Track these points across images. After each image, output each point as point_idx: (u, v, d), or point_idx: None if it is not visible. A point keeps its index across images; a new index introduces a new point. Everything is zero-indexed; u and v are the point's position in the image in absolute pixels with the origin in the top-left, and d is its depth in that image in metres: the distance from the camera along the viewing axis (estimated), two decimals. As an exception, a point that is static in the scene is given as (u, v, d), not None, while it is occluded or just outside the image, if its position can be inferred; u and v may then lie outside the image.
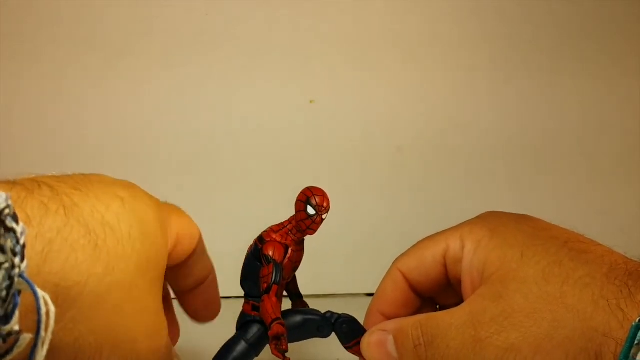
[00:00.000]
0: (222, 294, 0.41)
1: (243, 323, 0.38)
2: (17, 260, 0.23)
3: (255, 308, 0.38)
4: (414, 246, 0.39)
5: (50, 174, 0.29)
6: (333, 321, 0.39)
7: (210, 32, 0.57)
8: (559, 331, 0.30)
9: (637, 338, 0.27)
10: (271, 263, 0.36)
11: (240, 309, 0.39)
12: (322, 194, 0.37)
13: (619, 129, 0.62)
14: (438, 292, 0.39)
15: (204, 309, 0.40)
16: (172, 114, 0.58)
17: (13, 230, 0.23)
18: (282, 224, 0.38)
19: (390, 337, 0.35)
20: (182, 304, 0.40)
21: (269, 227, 0.38)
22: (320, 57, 0.59)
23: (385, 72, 0.60)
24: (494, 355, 0.31)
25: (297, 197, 0.37)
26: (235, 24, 0.57)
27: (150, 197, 0.33)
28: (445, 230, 0.38)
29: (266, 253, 0.37)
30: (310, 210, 0.36)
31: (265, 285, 0.36)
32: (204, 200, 0.59)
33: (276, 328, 0.35)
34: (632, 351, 0.27)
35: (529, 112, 0.61)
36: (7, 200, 0.23)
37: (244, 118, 0.59)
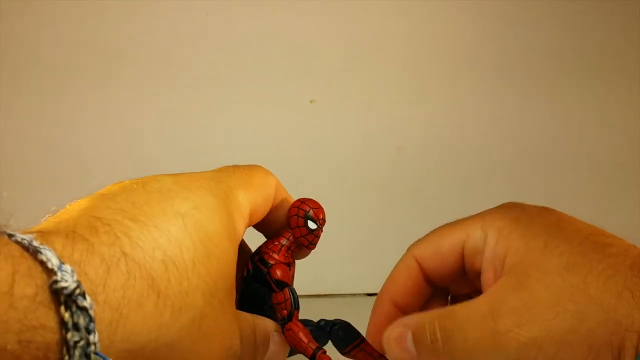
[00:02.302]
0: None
1: None
2: (91, 337, 0.23)
3: None
4: (431, 233, 0.38)
5: (108, 194, 0.29)
6: (328, 329, 0.38)
7: (211, 33, 0.57)
8: (583, 324, 0.29)
9: None
10: (286, 288, 0.35)
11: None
12: (318, 206, 0.36)
13: (620, 132, 0.62)
14: (451, 282, 0.38)
15: None
16: (172, 114, 0.58)
17: (85, 309, 0.23)
18: (278, 242, 0.36)
19: (410, 333, 0.34)
20: None
21: (267, 248, 0.36)
22: (320, 57, 0.59)
23: (386, 73, 0.60)
24: (514, 349, 0.30)
25: (291, 212, 0.35)
26: (235, 25, 0.57)
27: (213, 193, 0.31)
28: (465, 219, 0.37)
29: (277, 278, 0.35)
30: (312, 225, 0.35)
31: (285, 312, 0.34)
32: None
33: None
34: None
35: (529, 113, 0.61)
36: (74, 276, 0.23)
37: (244, 118, 0.59)
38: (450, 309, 0.34)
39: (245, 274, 0.36)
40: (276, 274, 0.35)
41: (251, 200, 0.33)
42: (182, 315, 0.27)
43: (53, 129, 0.57)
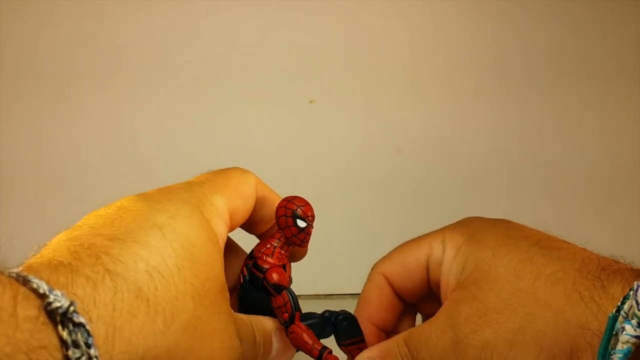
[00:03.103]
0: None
1: None
2: (92, 351, 0.24)
3: None
4: (395, 250, 0.39)
5: (83, 225, 0.29)
6: (333, 320, 0.38)
7: (211, 33, 0.57)
8: (532, 325, 0.30)
9: (615, 329, 0.27)
10: (284, 291, 0.34)
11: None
12: (305, 203, 0.35)
13: (620, 133, 0.62)
14: (419, 298, 0.39)
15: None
16: (172, 115, 0.58)
17: (81, 324, 0.24)
18: (270, 244, 0.35)
19: None
20: None
21: (259, 252, 0.35)
22: (320, 57, 0.59)
23: (386, 73, 0.60)
24: (472, 355, 0.31)
25: (278, 213, 0.35)
26: (235, 25, 0.57)
27: (186, 201, 0.31)
28: (427, 234, 0.38)
29: (273, 282, 0.34)
30: (301, 223, 0.34)
31: (287, 315, 0.34)
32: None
33: None
34: (612, 342, 0.27)
35: (529, 114, 0.61)
36: (65, 297, 0.24)
37: (244, 118, 0.59)
38: (413, 329, 0.35)
39: (241, 280, 0.36)
40: (272, 278, 0.34)
41: (228, 202, 0.34)
42: (175, 319, 0.27)
43: (53, 129, 0.57)
